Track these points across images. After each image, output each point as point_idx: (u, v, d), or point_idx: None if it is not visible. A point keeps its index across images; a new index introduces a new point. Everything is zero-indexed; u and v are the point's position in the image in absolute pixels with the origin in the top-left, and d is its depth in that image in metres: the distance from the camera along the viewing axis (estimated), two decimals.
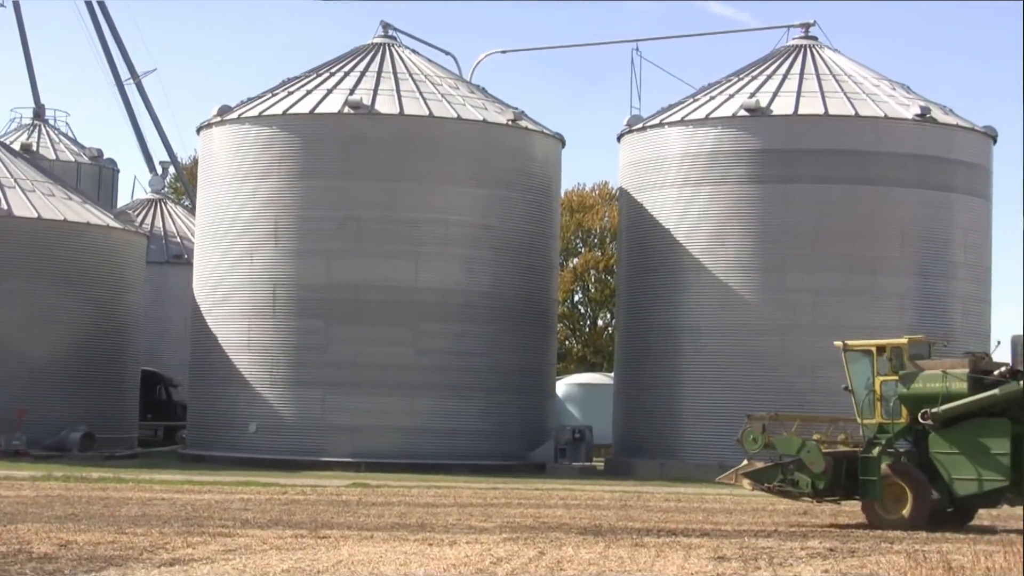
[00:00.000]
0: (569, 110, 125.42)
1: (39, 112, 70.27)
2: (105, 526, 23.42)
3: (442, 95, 49.16)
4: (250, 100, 50.02)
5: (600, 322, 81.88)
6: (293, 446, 45.98)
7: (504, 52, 62.95)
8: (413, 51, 52.87)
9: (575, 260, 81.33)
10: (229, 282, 47.97)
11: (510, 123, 49.03)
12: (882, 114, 47.19)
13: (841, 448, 28.45)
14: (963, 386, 26.85)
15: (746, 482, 28.67)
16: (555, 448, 47.52)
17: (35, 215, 50.27)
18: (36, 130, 68.76)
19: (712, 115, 47.67)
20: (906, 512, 26.72)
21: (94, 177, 67.52)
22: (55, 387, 49.55)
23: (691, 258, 47.00)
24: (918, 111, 47.40)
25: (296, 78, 50.84)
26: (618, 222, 54.49)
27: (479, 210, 47.69)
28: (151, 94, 74.20)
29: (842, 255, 45.97)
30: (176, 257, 62.41)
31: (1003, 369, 27.14)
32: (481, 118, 48.46)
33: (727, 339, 46.08)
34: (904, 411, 27.45)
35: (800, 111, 47.11)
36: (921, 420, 26.99)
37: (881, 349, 28.11)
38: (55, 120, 70.82)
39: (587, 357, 79.14)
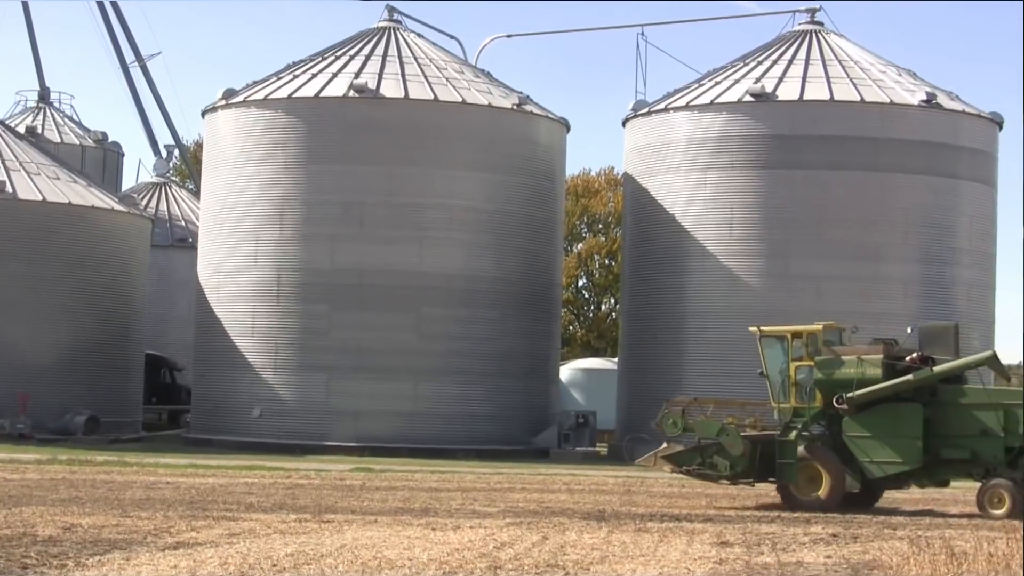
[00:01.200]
0: (574, 95, 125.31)
1: (44, 95, 70.26)
2: (109, 509, 23.47)
3: (447, 79, 49.11)
4: (255, 84, 49.98)
5: (604, 307, 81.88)
6: (297, 430, 46.04)
7: (509, 36, 62.89)
8: (418, 35, 52.81)
9: (580, 245, 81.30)
10: (233, 266, 47.99)
11: (515, 108, 48.98)
12: (888, 100, 47.11)
13: (750, 431, 29.02)
14: (877, 372, 27.52)
15: (666, 465, 29.19)
16: (559, 433, 47.56)
17: (40, 198, 50.29)
18: (41, 113, 68.76)
19: (717, 100, 47.61)
20: (821, 494, 27.34)
21: (99, 160, 67.55)
22: (59, 371, 49.61)
23: (696, 243, 46.99)
24: (924, 97, 47.32)
25: (301, 62, 50.79)
26: (623, 207, 54.47)
27: (483, 195, 47.66)
28: (156, 77, 74.35)
29: (847, 241, 45.95)
30: (180, 241, 62.44)
31: (914, 356, 27.86)
32: (486, 102, 48.41)
33: (731, 325, 46.01)
34: (819, 395, 28.01)
35: (806, 97, 47.04)
36: (836, 405, 27.55)
37: (796, 335, 28.66)
38: (60, 103, 70.83)
39: (591, 342, 79.17)
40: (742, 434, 28.32)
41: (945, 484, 29.05)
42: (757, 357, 46.14)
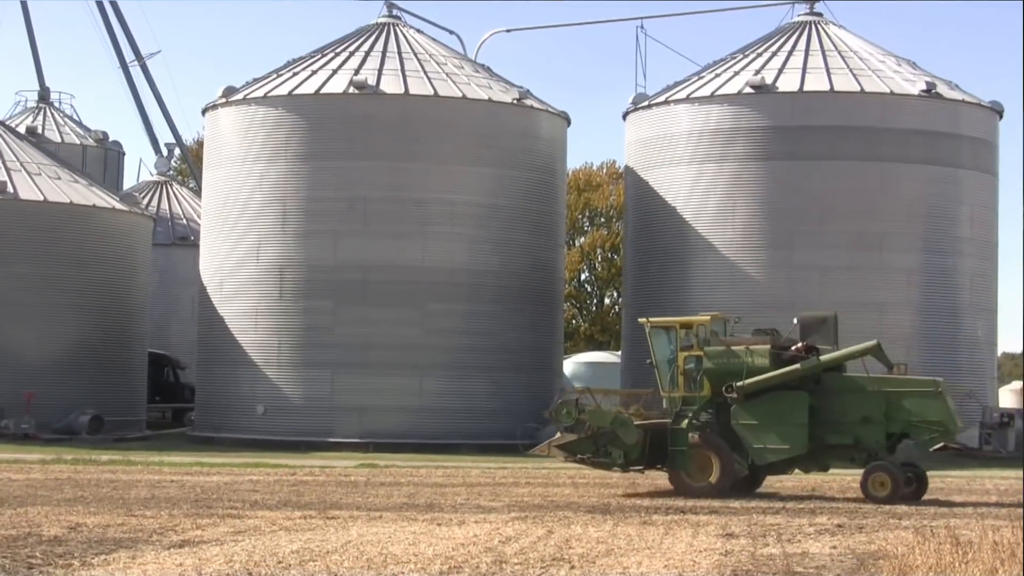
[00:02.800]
0: (574, 89, 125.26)
1: (44, 95, 70.26)
2: (114, 508, 23.49)
3: (447, 74, 49.08)
4: (256, 81, 49.97)
5: (607, 300, 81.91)
6: (301, 427, 46.05)
7: (509, 31, 62.85)
8: (418, 31, 52.77)
9: (582, 239, 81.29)
10: (236, 264, 47.99)
11: (515, 102, 48.95)
12: (888, 90, 47.08)
13: (639, 420, 29.59)
14: (765, 361, 28.49)
15: (560, 454, 29.77)
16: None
17: (41, 198, 50.30)
18: (41, 113, 68.76)
19: (718, 92, 47.58)
20: (712, 479, 28.27)
21: (100, 160, 67.56)
22: (63, 370, 49.63)
23: (697, 236, 46.97)
24: (924, 87, 47.29)
25: (301, 59, 50.77)
26: (624, 200, 54.45)
27: (485, 189, 47.66)
28: (156, 76, 74.55)
29: (849, 231, 45.94)
30: (182, 239, 62.44)
31: (800, 345, 28.85)
32: (486, 97, 48.38)
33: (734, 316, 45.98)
34: (707, 384, 28.83)
35: (806, 88, 47.01)
36: (726, 393, 28.40)
37: (684, 326, 29.64)
38: (60, 103, 70.83)
39: (594, 336, 79.19)
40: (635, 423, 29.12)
41: (826, 469, 29.86)
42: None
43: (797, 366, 28.42)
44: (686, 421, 28.68)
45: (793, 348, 28.90)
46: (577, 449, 29.36)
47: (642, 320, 30.50)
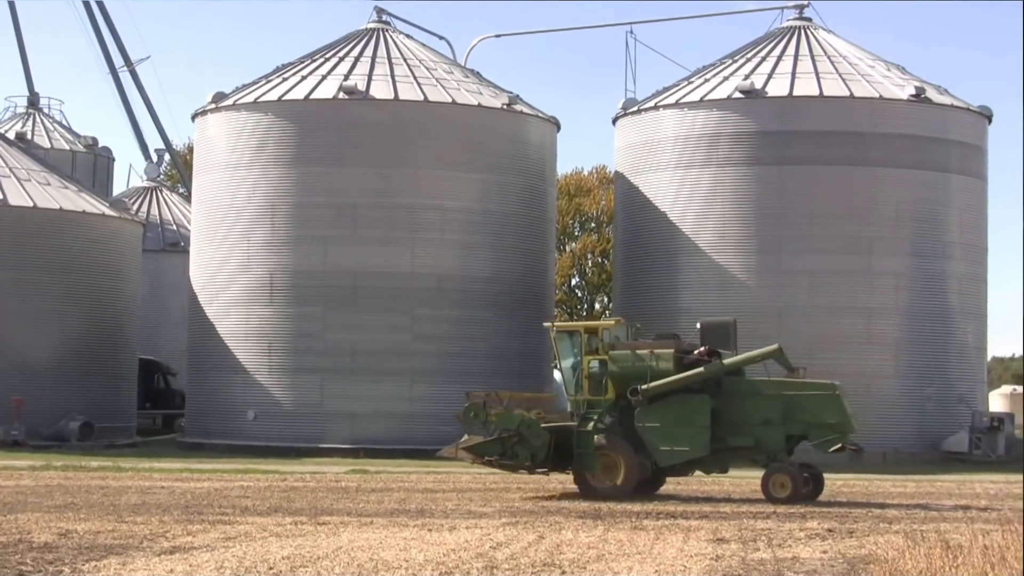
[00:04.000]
0: (564, 94, 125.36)
1: (33, 100, 70.12)
2: (105, 515, 23.46)
3: (437, 80, 49.11)
4: (245, 86, 49.96)
5: (597, 306, 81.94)
6: (292, 433, 46.00)
7: (498, 36, 62.86)
8: (407, 36, 52.80)
9: (573, 244, 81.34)
10: (226, 269, 47.95)
11: (505, 107, 48.99)
12: (877, 95, 47.19)
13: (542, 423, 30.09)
14: (669, 365, 29.19)
15: (467, 456, 30.26)
16: None
17: (30, 204, 50.23)
18: (31, 119, 68.63)
19: (707, 97, 47.65)
20: (617, 481, 28.86)
21: (89, 165, 67.44)
22: (53, 377, 49.54)
23: (687, 240, 47.04)
24: (913, 91, 47.40)
25: (290, 64, 50.77)
26: (614, 205, 54.48)
27: (475, 195, 47.67)
28: (145, 82, 74.14)
29: (838, 236, 46.02)
30: (172, 245, 62.39)
31: (702, 350, 29.63)
32: (476, 102, 48.42)
33: None
34: (611, 387, 29.39)
35: (795, 92, 47.11)
36: (630, 396, 29.02)
37: (589, 330, 30.20)
38: (49, 108, 70.70)
39: None
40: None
41: (726, 470, 30.56)
42: (748, 350, 46.45)
43: (701, 369, 29.11)
44: (592, 424, 29.26)
45: (696, 352, 29.61)
46: (485, 451, 29.91)
47: (547, 324, 31.04)
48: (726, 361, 29.41)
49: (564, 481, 30.84)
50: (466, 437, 30.38)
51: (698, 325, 30.57)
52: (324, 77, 48.88)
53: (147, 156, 72.56)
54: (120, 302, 52.58)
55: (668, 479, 30.74)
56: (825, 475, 30.52)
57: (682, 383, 29.01)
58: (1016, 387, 72.86)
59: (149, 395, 57.90)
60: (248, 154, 47.71)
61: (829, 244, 45.98)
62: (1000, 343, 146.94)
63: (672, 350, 29.48)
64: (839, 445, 29.11)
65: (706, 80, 48.99)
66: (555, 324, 30.79)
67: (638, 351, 29.49)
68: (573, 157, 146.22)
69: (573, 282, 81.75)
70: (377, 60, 49.82)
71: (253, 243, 47.31)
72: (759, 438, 28.98)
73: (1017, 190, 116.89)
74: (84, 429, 48.86)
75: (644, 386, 28.91)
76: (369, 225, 46.63)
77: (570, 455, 29.33)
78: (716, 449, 29.10)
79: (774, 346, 29.98)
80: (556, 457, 29.54)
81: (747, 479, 34.30)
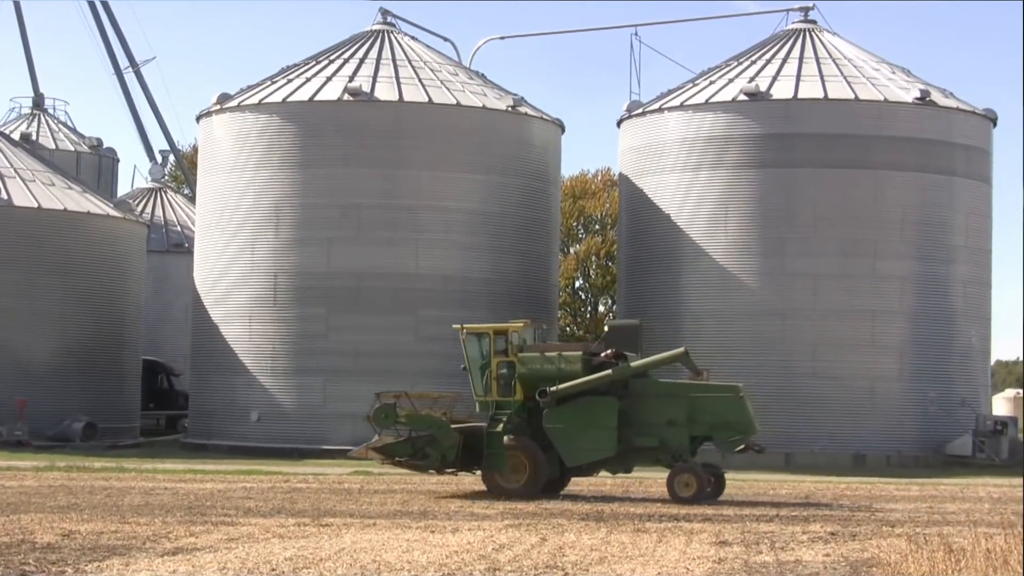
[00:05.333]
0: (569, 96, 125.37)
1: (38, 101, 70.17)
2: (108, 516, 23.47)
3: (441, 82, 49.12)
4: (249, 88, 49.98)
5: (601, 308, 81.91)
6: (295, 434, 46.02)
7: (503, 38, 62.89)
8: (412, 38, 52.82)
9: (577, 246, 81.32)
10: (230, 271, 47.98)
11: (509, 109, 48.99)
12: (882, 98, 47.16)
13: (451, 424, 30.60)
14: (577, 367, 29.63)
15: (377, 456, 30.58)
16: None
17: (35, 205, 50.26)
18: (35, 120, 68.68)
19: (712, 100, 47.64)
20: (525, 481, 29.32)
21: (94, 166, 67.47)
22: (56, 377, 49.57)
23: (691, 243, 47.01)
24: (918, 94, 47.36)
25: (295, 66, 50.80)
26: (618, 207, 54.47)
27: (479, 196, 47.68)
28: (150, 83, 74.24)
29: (842, 239, 45.99)
30: (177, 246, 62.41)
31: (608, 352, 30.04)
32: (480, 104, 48.42)
33: (728, 323, 46.11)
34: (519, 389, 29.78)
35: (800, 95, 47.08)
36: (539, 398, 29.42)
37: (498, 332, 30.56)
38: (54, 109, 70.74)
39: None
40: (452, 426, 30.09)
41: (630, 470, 31.16)
42: (754, 356, 46.53)
43: (608, 372, 29.51)
44: (501, 425, 29.66)
45: (603, 355, 29.99)
46: (395, 452, 30.22)
47: (456, 326, 31.36)
48: (633, 363, 29.91)
49: (474, 482, 31.19)
50: (376, 437, 30.74)
51: (605, 328, 30.87)
52: (329, 79, 48.90)
53: (152, 157, 72.62)
54: (124, 303, 52.61)
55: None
56: (831, 478, 30.60)
57: (590, 385, 29.46)
58: (1020, 391, 72.78)
59: (152, 396, 57.92)
60: (252, 155, 47.74)
61: (833, 247, 45.94)
62: (1004, 347, 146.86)
63: (580, 352, 30.01)
64: (743, 446, 29.80)
65: (711, 82, 48.98)
66: (464, 326, 31.05)
67: (546, 353, 29.96)
68: (578, 159, 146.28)
69: (577, 284, 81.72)
70: (382, 62, 49.83)
71: (257, 244, 47.33)
72: (664, 439, 29.47)
73: (1020, 193, 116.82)
74: (87, 430, 48.89)
75: (552, 388, 29.32)
76: (373, 226, 46.65)
77: (479, 455, 29.81)
78: (622, 449, 29.61)
79: (680, 349, 30.64)
80: (465, 457, 29.99)
81: (748, 482, 34.27)
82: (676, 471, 29.00)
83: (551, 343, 30.99)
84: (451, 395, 31.91)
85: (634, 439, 29.51)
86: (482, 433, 29.80)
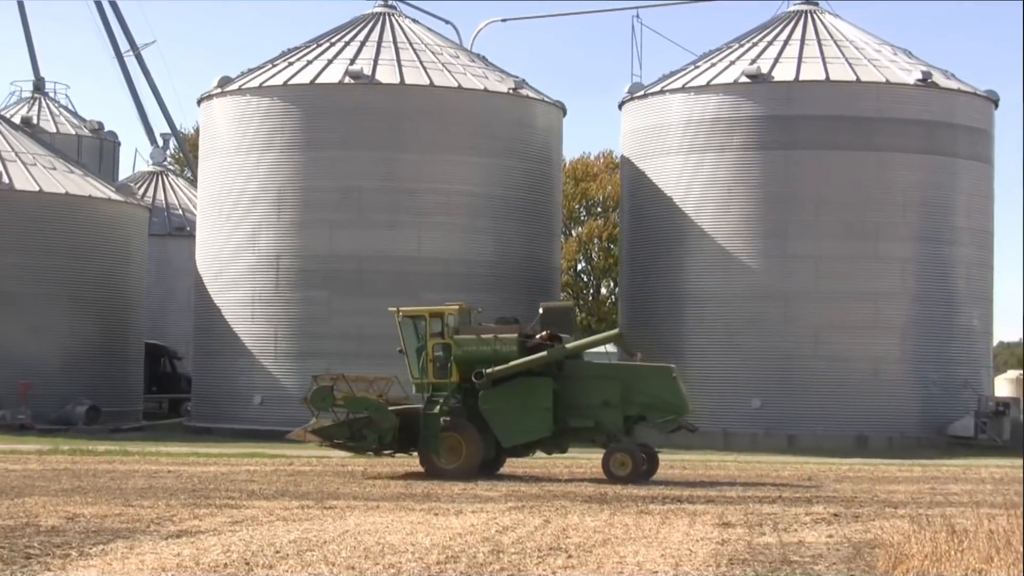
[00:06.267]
0: (570, 78, 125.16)
1: (39, 85, 70.11)
2: (112, 499, 23.50)
3: (443, 64, 49.05)
4: (250, 71, 49.92)
5: (604, 290, 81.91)
6: (298, 417, 45.89)
7: (504, 21, 62.88)
8: (413, 20, 52.72)
9: (579, 229, 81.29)
10: (232, 254, 47.98)
11: (511, 92, 48.92)
12: (884, 79, 47.08)
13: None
14: (513, 349, 29.94)
15: (315, 439, 31.01)
16: None
17: (36, 189, 50.24)
18: (36, 103, 68.62)
19: (713, 82, 47.57)
20: (462, 462, 29.58)
21: (95, 150, 67.43)
22: (59, 361, 49.59)
23: (693, 225, 46.99)
24: (920, 76, 47.29)
25: (296, 48, 50.72)
26: (620, 190, 54.44)
27: (480, 179, 47.65)
28: (151, 66, 74.17)
29: (845, 221, 45.96)
30: (178, 229, 62.39)
31: (544, 334, 30.35)
32: (482, 87, 48.35)
33: (730, 306, 46.12)
34: (455, 371, 30.08)
35: (801, 77, 47.01)
36: (475, 380, 29.68)
37: (433, 315, 30.90)
38: (55, 93, 70.68)
39: (591, 326, 79.16)
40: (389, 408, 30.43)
41: (565, 450, 31.44)
42: (756, 338, 46.55)
43: (543, 354, 29.79)
44: (437, 407, 29.87)
45: (537, 336, 30.29)
46: (332, 434, 30.58)
47: (392, 309, 31.67)
48: (568, 345, 30.17)
49: (411, 463, 31.44)
50: (314, 420, 31.01)
51: (540, 310, 31.24)
52: (330, 62, 48.83)
53: (153, 140, 72.58)
54: (126, 286, 52.61)
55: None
56: (834, 459, 30.65)
57: (525, 367, 29.71)
58: (1022, 372, 72.79)
59: (155, 379, 57.96)
60: (254, 139, 47.69)
61: (836, 229, 45.92)
62: (1006, 328, 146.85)
63: (515, 335, 30.22)
64: (676, 425, 30.34)
65: (712, 64, 48.90)
66: (400, 309, 31.30)
67: (482, 336, 30.19)
68: (579, 142, 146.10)
69: (579, 267, 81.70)
70: (383, 44, 49.75)
71: (259, 227, 47.32)
72: (599, 419, 29.83)
73: (1021, 174, 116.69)
74: (90, 413, 48.95)
75: (488, 370, 29.59)
76: (375, 209, 46.62)
77: (415, 437, 30.05)
78: (558, 430, 29.94)
79: (615, 331, 31.08)
80: (402, 439, 30.29)
81: (752, 464, 34.28)
82: (611, 451, 29.41)
83: (487, 325, 31.20)
84: (387, 377, 32.28)
85: (569, 420, 29.91)
86: (419, 415, 30.16)
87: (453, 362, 30.08)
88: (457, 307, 31.13)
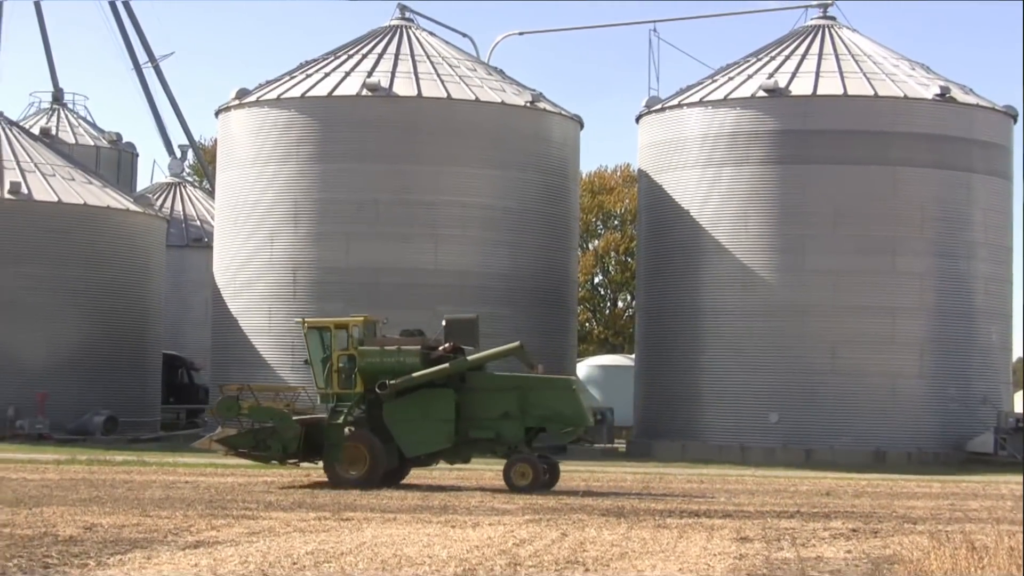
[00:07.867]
0: (588, 92, 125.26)
1: (58, 96, 70.38)
2: (129, 509, 23.52)
3: (460, 77, 49.12)
4: (268, 83, 50.06)
5: (621, 304, 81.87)
6: None
7: (521, 34, 62.90)
8: (430, 33, 52.83)
9: (596, 242, 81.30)
10: (249, 265, 48.07)
11: (528, 105, 48.97)
12: (901, 94, 47.02)
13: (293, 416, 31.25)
14: (416, 360, 30.26)
15: (220, 448, 31.19)
16: None
17: (55, 199, 50.41)
18: (55, 114, 68.88)
19: (731, 96, 47.56)
20: (364, 472, 29.79)
21: (113, 161, 67.66)
22: (77, 371, 49.73)
23: (710, 239, 46.95)
24: (937, 91, 47.21)
25: (314, 61, 50.85)
26: (637, 204, 54.44)
27: (497, 192, 47.68)
28: (169, 78, 74.35)
29: (861, 236, 45.88)
30: (196, 240, 62.54)
31: (447, 346, 30.71)
32: (499, 100, 48.40)
33: (747, 320, 46.06)
34: (360, 381, 30.33)
35: (819, 92, 46.98)
36: (378, 390, 29.94)
37: (339, 326, 31.09)
38: (74, 104, 70.96)
39: (608, 339, 79.15)
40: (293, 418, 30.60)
41: (468, 460, 31.77)
42: (773, 352, 46.45)
43: (446, 365, 30.13)
44: (341, 417, 30.18)
45: (441, 348, 30.60)
46: (237, 443, 30.77)
47: (298, 320, 32.13)
48: (470, 357, 30.50)
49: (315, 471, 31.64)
50: (220, 429, 31.21)
51: (443, 322, 31.54)
52: (347, 74, 48.94)
53: (171, 152, 72.78)
54: (144, 297, 52.74)
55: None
56: (852, 474, 30.52)
57: (428, 378, 30.00)
58: None
59: (173, 390, 58.07)
60: (271, 151, 47.81)
61: (853, 244, 45.84)
62: None
63: (418, 346, 30.51)
64: (575, 437, 30.92)
65: (730, 79, 48.89)
66: (306, 320, 31.61)
67: (386, 347, 30.40)
68: (596, 155, 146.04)
69: (596, 280, 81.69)
70: (400, 57, 49.86)
71: (276, 239, 47.42)
72: (499, 430, 30.12)
73: None
74: (108, 423, 49.05)
75: (392, 381, 29.83)
76: (391, 222, 46.68)
77: (320, 446, 30.27)
78: (460, 441, 30.25)
79: (516, 343, 31.20)
80: (307, 448, 30.48)
81: (770, 478, 34.19)
82: (512, 462, 29.69)
83: (391, 336, 31.42)
84: (294, 388, 32.54)
85: (471, 431, 30.21)
86: (323, 425, 30.39)
87: (357, 373, 30.34)
88: (362, 319, 31.45)
